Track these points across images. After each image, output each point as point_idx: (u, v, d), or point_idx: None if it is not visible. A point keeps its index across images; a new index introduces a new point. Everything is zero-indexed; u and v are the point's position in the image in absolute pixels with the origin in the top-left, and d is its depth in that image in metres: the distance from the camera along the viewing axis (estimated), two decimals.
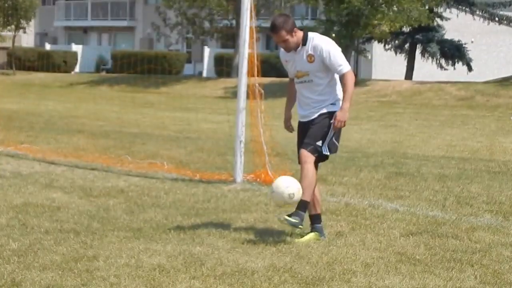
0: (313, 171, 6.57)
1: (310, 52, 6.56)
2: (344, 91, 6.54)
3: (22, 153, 11.86)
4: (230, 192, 8.93)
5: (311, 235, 6.69)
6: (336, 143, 6.68)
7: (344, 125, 6.53)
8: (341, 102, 6.58)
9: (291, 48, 6.61)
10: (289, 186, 6.45)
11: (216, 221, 7.29)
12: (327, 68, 6.56)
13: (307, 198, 6.53)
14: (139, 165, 10.77)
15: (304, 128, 6.69)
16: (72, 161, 11.13)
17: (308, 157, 6.53)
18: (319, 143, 6.56)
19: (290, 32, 6.52)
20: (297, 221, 6.43)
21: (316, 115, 6.63)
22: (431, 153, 13.48)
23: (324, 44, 6.54)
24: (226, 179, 9.72)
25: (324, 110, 6.60)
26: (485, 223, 7.51)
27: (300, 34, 6.60)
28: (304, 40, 6.58)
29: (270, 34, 6.73)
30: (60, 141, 13.74)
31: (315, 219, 6.78)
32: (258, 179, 9.64)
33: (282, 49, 6.73)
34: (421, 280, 5.53)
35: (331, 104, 6.60)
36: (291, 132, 6.95)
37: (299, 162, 6.66)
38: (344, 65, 6.50)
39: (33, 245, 6.18)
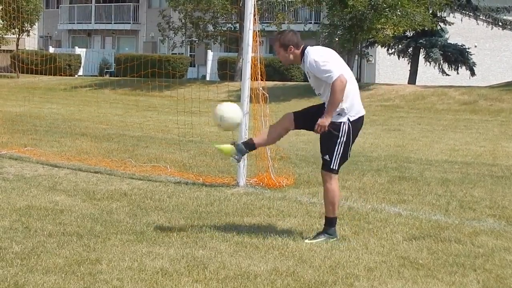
0: (332, 189, 6.72)
1: (306, 70, 6.74)
2: (330, 97, 6.52)
3: (25, 156, 11.87)
4: (233, 195, 8.93)
5: (229, 146, 6.87)
6: (347, 156, 6.74)
7: (324, 130, 6.56)
8: (347, 113, 6.62)
9: (283, 62, 6.91)
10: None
11: (219, 224, 7.30)
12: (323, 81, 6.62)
13: (331, 215, 6.78)
14: (142, 168, 10.78)
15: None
16: (75, 164, 11.14)
17: (325, 174, 6.72)
18: (326, 157, 6.66)
19: (283, 46, 6.73)
20: (325, 238, 6.70)
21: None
22: (434, 158, 13.47)
23: (310, 58, 6.60)
24: (229, 182, 9.72)
25: (333, 120, 6.62)
26: (488, 227, 7.51)
27: (299, 53, 6.73)
28: (303, 58, 6.71)
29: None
30: (63, 144, 13.75)
31: (248, 145, 6.93)
32: (261, 183, 9.64)
33: None
34: (423, 285, 5.53)
35: (338, 114, 6.62)
36: None
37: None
38: (331, 73, 6.47)
39: (36, 248, 6.19)
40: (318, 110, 6.76)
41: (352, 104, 6.67)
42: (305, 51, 6.70)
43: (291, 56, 6.75)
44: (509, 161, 13.41)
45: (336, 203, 6.79)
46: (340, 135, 6.62)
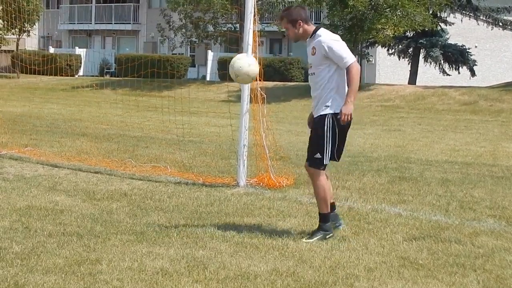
0: (323, 185, 6.72)
1: (313, 45, 6.72)
2: (348, 84, 6.58)
3: (25, 156, 11.87)
4: (233, 196, 8.93)
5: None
6: (341, 148, 6.74)
7: (351, 118, 6.55)
8: (332, 105, 6.63)
9: (291, 38, 6.89)
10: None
11: (219, 225, 7.30)
12: (328, 63, 6.64)
13: (324, 211, 6.79)
14: (142, 168, 10.78)
15: (312, 122, 6.88)
16: (75, 164, 11.15)
17: (314, 172, 6.73)
18: (318, 155, 6.68)
19: (292, 23, 6.78)
20: (321, 235, 6.71)
21: (316, 115, 6.75)
22: (435, 158, 13.47)
23: (326, 39, 6.67)
24: (229, 183, 9.72)
25: (319, 112, 6.69)
26: (488, 228, 7.51)
27: (309, 28, 6.78)
28: (313, 34, 6.75)
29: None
30: (63, 144, 13.76)
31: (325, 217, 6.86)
32: (261, 183, 9.64)
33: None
34: (424, 285, 5.53)
35: (325, 106, 6.65)
36: None
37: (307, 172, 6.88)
38: (348, 58, 6.57)
39: (36, 248, 6.19)
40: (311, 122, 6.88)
41: (340, 98, 6.66)
42: (318, 31, 6.73)
43: (301, 31, 6.78)
44: (510, 161, 13.41)
45: (328, 198, 6.79)
46: (325, 129, 6.63)
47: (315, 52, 6.69)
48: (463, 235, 7.11)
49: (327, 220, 6.80)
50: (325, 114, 6.63)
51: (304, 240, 6.67)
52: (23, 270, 5.56)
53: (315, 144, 6.69)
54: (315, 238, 6.68)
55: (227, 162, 11.77)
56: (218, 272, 5.65)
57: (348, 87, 6.58)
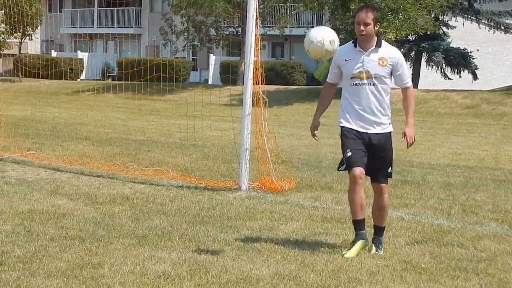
0: (388, 199, 6.75)
1: (383, 56, 6.51)
2: (407, 105, 6.70)
3: (28, 160, 11.88)
4: (235, 199, 8.93)
5: (359, 244, 6.51)
6: None
7: (415, 140, 6.62)
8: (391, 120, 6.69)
9: (365, 35, 6.43)
10: (327, 35, 6.45)
11: (221, 228, 7.29)
12: (389, 76, 6.65)
13: (385, 224, 6.79)
14: (145, 172, 10.78)
15: (365, 140, 6.58)
16: (77, 168, 11.15)
17: (385, 188, 6.70)
18: (390, 169, 6.69)
19: (375, 21, 6.46)
20: (381, 248, 6.63)
21: (379, 131, 6.61)
22: (437, 162, 13.46)
23: (399, 54, 6.65)
24: (231, 186, 9.72)
25: (385, 130, 6.63)
26: (490, 231, 7.50)
27: (375, 35, 6.56)
28: (379, 43, 6.54)
29: (360, 13, 6.49)
30: (66, 148, 13.76)
31: (362, 225, 6.62)
32: (263, 187, 9.64)
33: (343, 48, 6.62)
34: None
35: (390, 123, 6.68)
36: (316, 141, 7.04)
37: (375, 187, 6.70)
38: (410, 79, 6.71)
39: (38, 252, 6.19)
40: (364, 139, 6.61)
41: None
42: (383, 42, 6.59)
43: (374, 33, 6.48)
44: None
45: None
46: (393, 144, 6.69)
47: (385, 64, 6.51)
48: (465, 239, 7.11)
49: (383, 233, 6.78)
50: (391, 131, 6.68)
51: (376, 252, 6.53)
52: (25, 274, 5.56)
53: (389, 159, 6.67)
54: (382, 250, 6.60)
55: (229, 166, 11.77)
56: (220, 276, 5.64)
57: (408, 109, 6.70)
